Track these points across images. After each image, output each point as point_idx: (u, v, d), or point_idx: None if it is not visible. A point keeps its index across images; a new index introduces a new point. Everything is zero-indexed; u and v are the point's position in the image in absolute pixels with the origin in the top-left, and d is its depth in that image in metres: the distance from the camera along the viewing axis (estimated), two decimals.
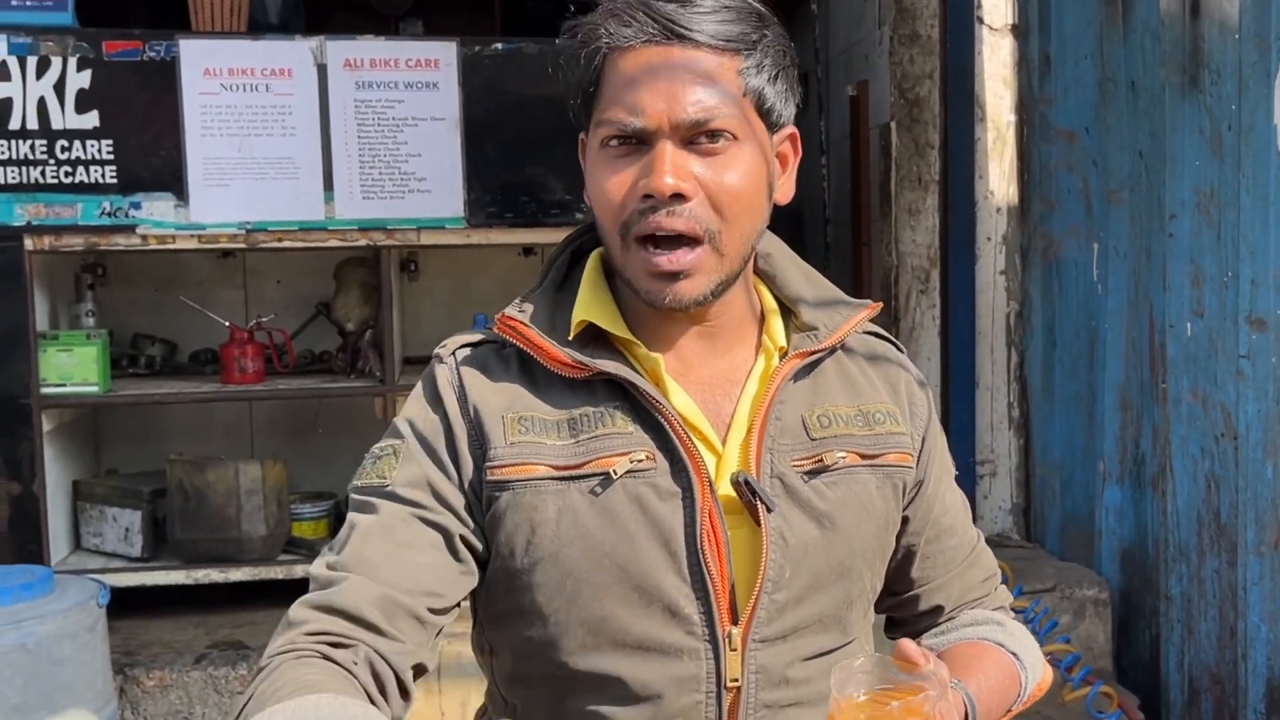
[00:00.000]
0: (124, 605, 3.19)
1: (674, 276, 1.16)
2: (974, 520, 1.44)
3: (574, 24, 1.21)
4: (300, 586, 3.52)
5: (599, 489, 1.16)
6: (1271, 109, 2.73)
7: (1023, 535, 3.95)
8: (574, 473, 1.16)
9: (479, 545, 1.19)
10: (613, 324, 1.22)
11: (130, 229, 3.32)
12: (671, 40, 1.14)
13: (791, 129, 1.25)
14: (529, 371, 1.22)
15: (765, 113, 1.20)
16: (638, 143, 1.16)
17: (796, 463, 1.21)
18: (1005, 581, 1.48)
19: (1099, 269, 3.46)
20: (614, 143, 1.17)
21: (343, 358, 3.80)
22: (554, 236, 3.58)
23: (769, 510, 1.17)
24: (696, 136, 1.15)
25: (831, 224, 4.79)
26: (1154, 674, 3.29)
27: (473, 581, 1.19)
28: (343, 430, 4.06)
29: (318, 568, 1.17)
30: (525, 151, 3.48)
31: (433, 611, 1.15)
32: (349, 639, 1.10)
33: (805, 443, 1.22)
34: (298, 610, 1.14)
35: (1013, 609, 1.45)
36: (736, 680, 1.17)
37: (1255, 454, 2.84)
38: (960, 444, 3.65)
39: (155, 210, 3.32)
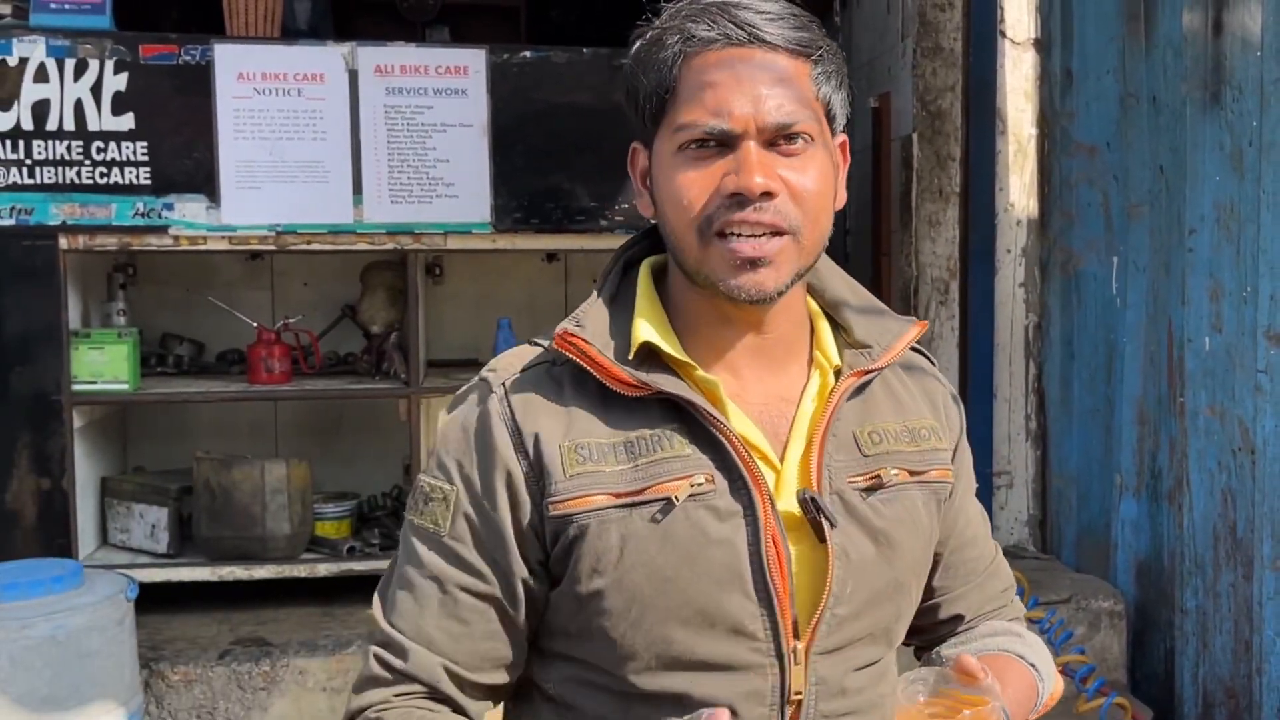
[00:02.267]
0: (149, 601, 3.22)
1: (756, 264, 1.15)
2: (991, 531, 1.46)
3: (646, 28, 1.21)
4: (322, 585, 3.53)
5: (660, 515, 1.15)
6: None
7: (1038, 547, 3.96)
8: (634, 499, 1.15)
9: (539, 592, 1.21)
10: (670, 345, 1.21)
11: (163, 230, 3.37)
12: (753, 44, 1.15)
13: (843, 136, 1.26)
14: (583, 391, 1.21)
15: (830, 117, 1.21)
16: (718, 145, 1.16)
17: (852, 480, 1.22)
18: (1021, 593, 1.51)
19: (1118, 283, 3.48)
20: (694, 146, 1.16)
21: (368, 360, 3.84)
22: (579, 243, 3.62)
23: (833, 526, 1.18)
24: (778, 139, 1.16)
25: (851, 234, 4.81)
26: (1168, 687, 3.30)
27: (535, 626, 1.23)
28: (367, 431, 4.10)
29: (378, 611, 1.22)
30: (552, 159, 3.52)
31: (499, 669, 1.22)
32: (433, 706, 1.19)
33: (859, 459, 1.23)
34: (378, 667, 1.21)
35: (1028, 620, 1.48)
36: (800, 693, 1.18)
37: (1273, 469, 2.85)
38: (978, 455, 3.64)
39: (187, 211, 3.37)
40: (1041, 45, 3.84)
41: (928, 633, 1.41)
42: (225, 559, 3.49)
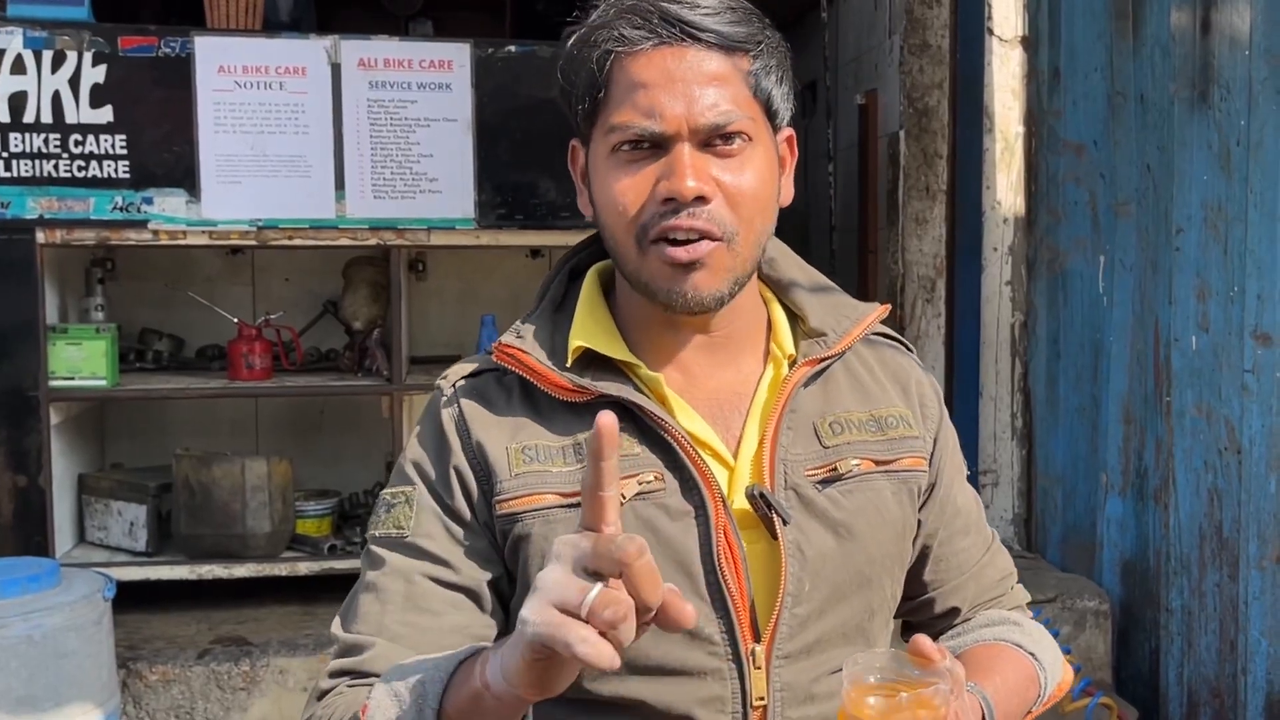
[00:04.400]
0: (127, 599, 3.19)
1: (691, 268, 1.13)
2: (985, 518, 1.43)
3: (576, 26, 1.19)
4: (303, 584, 3.52)
5: None
6: None
7: (1024, 545, 3.96)
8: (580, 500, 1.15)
9: (507, 588, 1.18)
10: (610, 346, 1.20)
11: (142, 224, 3.33)
12: (685, 41, 1.12)
13: (789, 130, 1.24)
14: (531, 398, 1.20)
15: (771, 114, 1.19)
16: (651, 147, 1.13)
17: (810, 472, 1.19)
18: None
19: (1105, 281, 3.47)
20: (626, 147, 1.14)
21: (350, 356, 3.81)
22: (563, 239, 3.59)
23: (785, 523, 1.15)
24: (713, 139, 1.13)
25: (838, 232, 4.80)
26: (1153, 686, 3.30)
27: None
28: (349, 429, 4.07)
29: (338, 629, 1.18)
30: (537, 154, 3.49)
31: None
32: None
33: (818, 451, 1.20)
34: (328, 680, 1.15)
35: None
36: (763, 699, 1.14)
37: (1258, 468, 2.85)
38: (963, 454, 3.66)
39: (167, 206, 3.34)
40: (1029, 43, 3.83)
41: (926, 628, 1.37)
42: (205, 557, 3.45)
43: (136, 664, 3.06)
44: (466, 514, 1.17)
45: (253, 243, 3.45)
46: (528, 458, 1.16)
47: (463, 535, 1.17)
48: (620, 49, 1.13)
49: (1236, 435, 2.91)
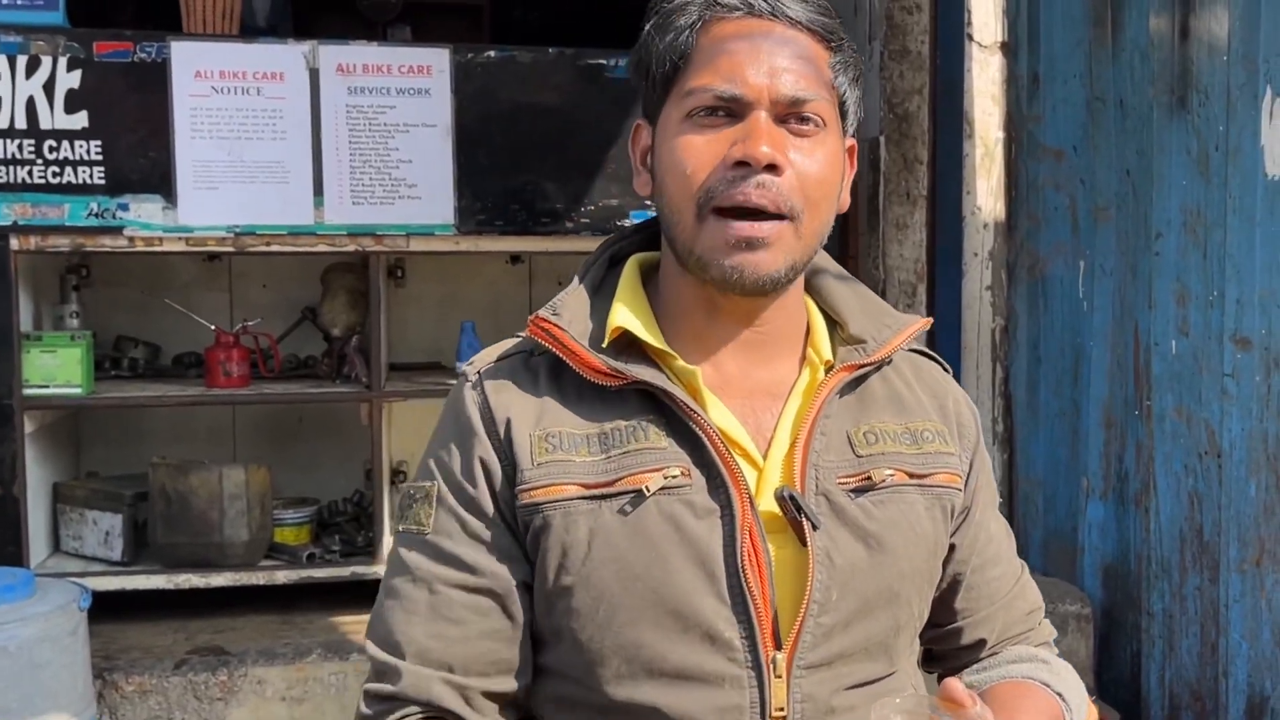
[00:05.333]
0: (103, 609, 3.16)
1: (753, 244, 1.11)
2: (1015, 549, 1.39)
3: None
4: (281, 593, 3.50)
5: (630, 508, 1.10)
6: (1259, 130, 2.76)
7: None
8: (605, 491, 1.11)
9: (532, 580, 1.16)
10: (649, 334, 1.17)
11: (117, 230, 3.30)
12: (775, 18, 1.13)
13: (852, 140, 1.22)
14: (559, 381, 1.18)
15: (843, 113, 1.19)
16: (727, 115, 1.12)
17: (842, 480, 1.16)
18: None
19: (1085, 286, 3.48)
20: (703, 113, 1.12)
21: (328, 363, 3.78)
22: (544, 245, 3.58)
23: (815, 528, 1.12)
24: (790, 116, 1.12)
25: None
26: (1135, 690, 3.30)
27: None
28: (327, 436, 4.04)
29: (369, 644, 1.18)
30: (517, 160, 3.47)
31: (504, 674, 1.15)
32: None
33: (851, 459, 1.17)
34: (366, 706, 1.15)
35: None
36: (782, 709, 1.11)
37: (1239, 472, 2.86)
38: None
39: (143, 212, 3.30)
40: (1008, 49, 3.84)
41: (950, 659, 1.33)
42: (181, 566, 3.42)
43: (112, 675, 3.02)
44: (489, 506, 1.15)
45: (230, 249, 3.42)
46: (551, 445, 1.13)
47: (484, 531, 1.15)
48: (709, 15, 1.14)
49: (1216, 439, 2.92)
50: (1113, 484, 3.40)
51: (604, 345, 1.16)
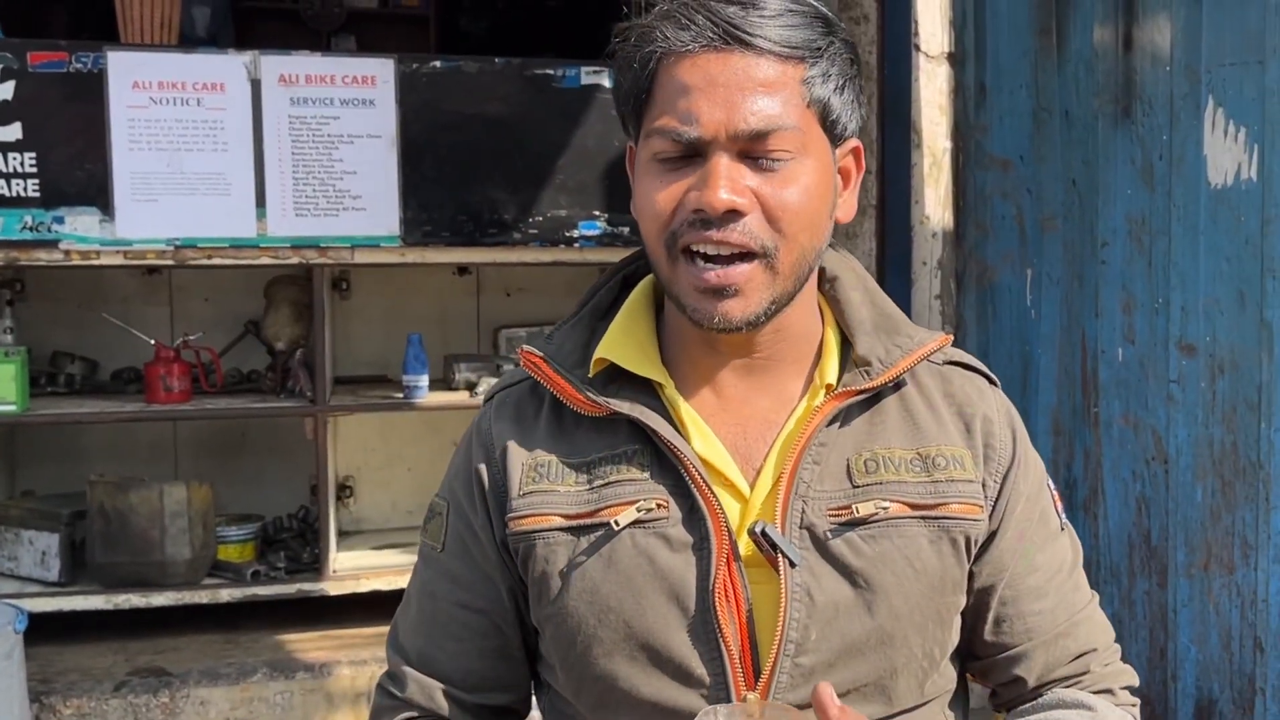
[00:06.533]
0: (40, 632, 3.09)
1: (722, 293, 1.07)
2: (1078, 583, 1.26)
3: (626, 26, 1.12)
4: (225, 611, 3.43)
5: (603, 540, 1.10)
6: (1202, 140, 2.79)
7: None
8: (584, 522, 1.11)
9: (523, 603, 1.19)
10: (637, 361, 1.15)
11: (53, 244, 3.23)
12: (731, 46, 1.05)
13: (855, 142, 1.16)
14: (559, 410, 1.17)
15: (829, 125, 1.11)
16: (691, 154, 1.07)
17: (833, 512, 1.10)
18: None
19: (1032, 295, 3.50)
20: (665, 153, 1.08)
21: (272, 377, 3.73)
22: (491, 256, 3.55)
23: (792, 565, 1.07)
24: (755, 149, 1.06)
25: None
26: None
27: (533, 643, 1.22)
28: (272, 451, 3.98)
29: (389, 640, 1.26)
30: (463, 170, 3.44)
31: (499, 690, 1.21)
32: None
33: (846, 490, 1.11)
34: (383, 698, 1.24)
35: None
36: None
37: (1185, 478, 2.88)
38: None
39: (79, 225, 3.23)
40: (955, 59, 3.86)
41: (998, 695, 1.26)
42: (121, 586, 3.36)
43: (50, 698, 2.96)
44: (486, 531, 1.17)
45: (170, 262, 3.36)
46: (538, 475, 1.14)
47: (482, 555, 1.18)
48: (664, 50, 1.08)
49: (1163, 445, 2.94)
50: (1061, 491, 3.41)
51: (590, 375, 1.15)
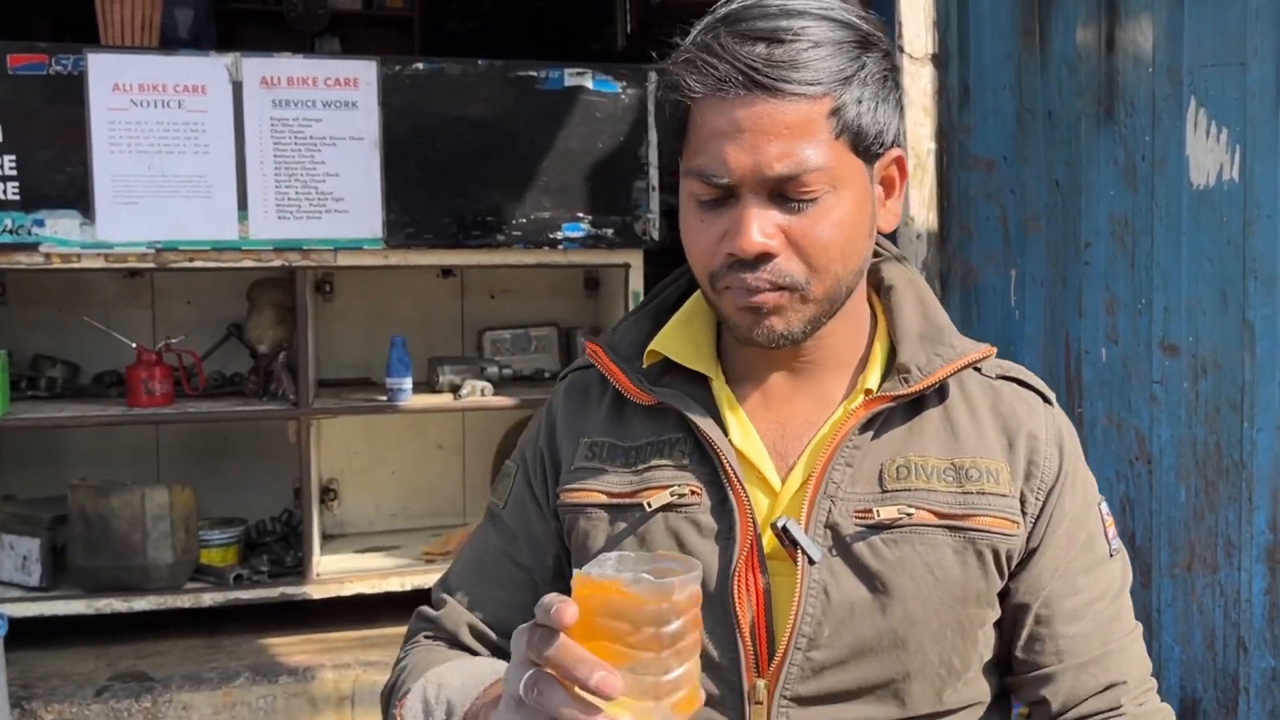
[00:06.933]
0: (21, 637, 3.08)
1: (759, 311, 1.12)
2: (1125, 614, 1.24)
3: (663, 67, 1.15)
4: (207, 615, 3.42)
5: (639, 521, 1.16)
6: (1184, 140, 2.79)
7: None
8: (623, 501, 1.18)
9: (566, 568, 1.25)
10: (690, 355, 1.21)
11: (33, 247, 3.21)
12: (754, 90, 1.06)
13: (896, 151, 1.18)
14: (619, 398, 1.24)
15: (863, 148, 1.12)
16: (726, 195, 1.10)
17: (860, 514, 1.13)
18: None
19: (1016, 295, 3.50)
20: (701, 195, 1.12)
21: (255, 380, 3.71)
22: (475, 259, 3.54)
23: (811, 561, 1.10)
24: (784, 190, 1.09)
25: None
26: None
27: None
28: (255, 454, 3.96)
29: (437, 582, 1.34)
30: (446, 172, 3.43)
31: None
32: (452, 651, 1.27)
33: (875, 494, 1.13)
34: (416, 621, 1.33)
35: None
36: None
37: (1169, 478, 2.89)
38: None
39: (60, 228, 3.21)
40: (939, 60, 3.86)
41: (1032, 715, 1.24)
42: (103, 591, 3.33)
43: (31, 704, 2.94)
44: (543, 497, 1.26)
45: (151, 265, 3.34)
46: (591, 454, 1.21)
47: (537, 518, 1.26)
48: (697, 92, 1.10)
49: (1146, 445, 2.94)
50: None
51: (644, 366, 1.22)
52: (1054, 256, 3.32)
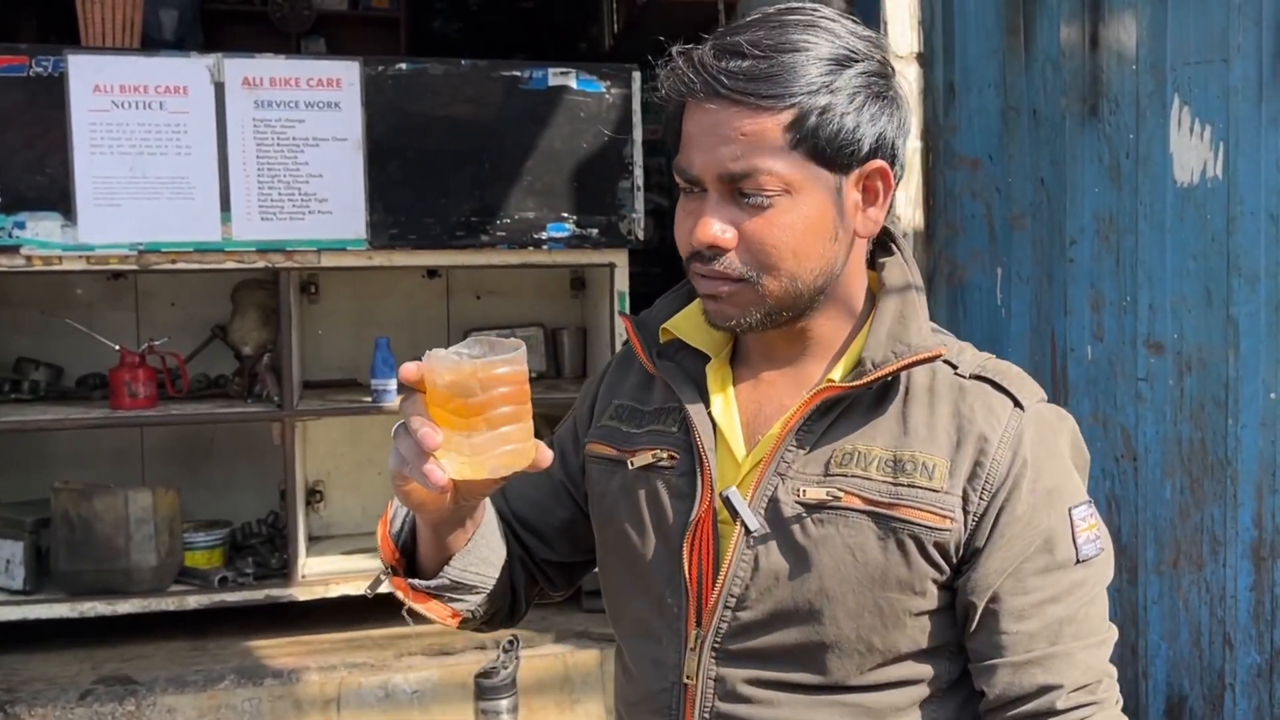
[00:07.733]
0: (4, 640, 3.07)
1: (715, 298, 1.22)
2: (1083, 630, 1.22)
3: (662, 66, 1.26)
4: (192, 618, 3.42)
5: (628, 476, 1.30)
6: (1167, 138, 2.79)
7: None
8: (621, 457, 1.32)
9: (583, 502, 1.41)
10: (694, 335, 1.33)
11: (14, 250, 3.19)
12: (713, 98, 1.17)
13: (876, 164, 1.22)
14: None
15: (828, 159, 1.18)
16: (699, 190, 1.22)
17: (802, 494, 1.21)
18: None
19: (1002, 294, 3.50)
20: (684, 188, 1.24)
21: (239, 382, 3.69)
22: (460, 259, 3.52)
23: (748, 530, 1.21)
24: (741, 188, 1.18)
25: None
26: None
27: (574, 528, 1.43)
28: (240, 456, 3.95)
29: None
30: (430, 173, 3.42)
31: (545, 546, 1.43)
32: None
33: (818, 477, 1.21)
34: None
35: None
36: (690, 679, 1.24)
37: (1154, 475, 2.89)
38: None
39: (41, 230, 3.20)
40: (924, 59, 3.86)
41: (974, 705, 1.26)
42: (86, 594, 3.32)
43: (14, 707, 2.93)
44: (579, 440, 1.42)
45: (134, 267, 3.32)
46: (616, 413, 1.36)
47: (571, 453, 1.42)
48: (675, 97, 1.22)
49: (1132, 443, 2.94)
50: None
51: (660, 342, 1.35)
52: (1039, 254, 3.32)
